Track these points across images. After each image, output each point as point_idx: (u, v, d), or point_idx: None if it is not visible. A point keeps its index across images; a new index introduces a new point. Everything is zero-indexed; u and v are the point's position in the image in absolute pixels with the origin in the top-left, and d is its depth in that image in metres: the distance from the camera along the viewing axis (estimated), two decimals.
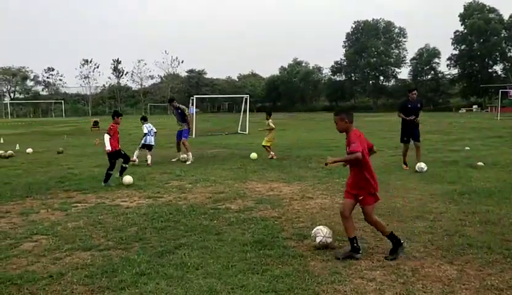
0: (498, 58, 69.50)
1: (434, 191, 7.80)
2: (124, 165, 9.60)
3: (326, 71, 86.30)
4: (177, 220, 6.16)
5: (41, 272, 4.34)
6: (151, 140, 12.51)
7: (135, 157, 12.05)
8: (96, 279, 4.12)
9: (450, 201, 6.97)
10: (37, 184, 9.33)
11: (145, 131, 12.49)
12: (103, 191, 8.47)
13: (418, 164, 9.98)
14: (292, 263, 4.44)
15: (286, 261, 4.50)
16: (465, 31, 69.55)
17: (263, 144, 13.25)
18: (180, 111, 13.27)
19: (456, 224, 5.72)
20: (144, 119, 13.10)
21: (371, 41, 77.09)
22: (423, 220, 5.92)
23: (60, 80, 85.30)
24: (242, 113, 28.05)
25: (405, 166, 10.54)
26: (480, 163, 10.72)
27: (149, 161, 12.10)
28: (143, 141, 12.53)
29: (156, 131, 12.96)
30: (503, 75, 68.90)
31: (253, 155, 12.93)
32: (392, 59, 79.18)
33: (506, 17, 67.31)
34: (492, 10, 68.50)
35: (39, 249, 5.06)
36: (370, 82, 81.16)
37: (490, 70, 70.55)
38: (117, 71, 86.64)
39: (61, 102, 74.34)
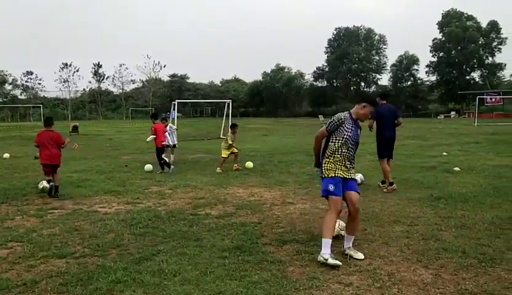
0: (476, 65, 70.97)
1: (411, 196, 7.92)
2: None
3: (308, 77, 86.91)
4: (156, 227, 6.11)
5: (15, 280, 4.25)
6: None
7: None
8: (71, 287, 4.05)
9: (427, 206, 7.08)
10: (13, 190, 9.14)
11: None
12: (81, 197, 8.34)
13: None
14: (270, 268, 4.45)
15: (264, 267, 4.50)
16: (443, 38, 70.97)
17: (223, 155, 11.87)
18: None
19: (432, 228, 5.81)
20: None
21: (352, 47, 78.01)
22: (400, 225, 6.00)
23: (39, 84, 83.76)
24: (224, 118, 28.05)
25: None
26: (457, 168, 10.94)
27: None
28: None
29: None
30: (480, 82, 70.42)
31: (249, 163, 12.15)
32: (373, 66, 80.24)
33: (483, 24, 68.90)
34: (470, 18, 69.98)
35: (13, 256, 4.95)
36: (352, 87, 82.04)
37: (467, 77, 71.95)
38: (97, 75, 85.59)
39: (40, 106, 73.03)
